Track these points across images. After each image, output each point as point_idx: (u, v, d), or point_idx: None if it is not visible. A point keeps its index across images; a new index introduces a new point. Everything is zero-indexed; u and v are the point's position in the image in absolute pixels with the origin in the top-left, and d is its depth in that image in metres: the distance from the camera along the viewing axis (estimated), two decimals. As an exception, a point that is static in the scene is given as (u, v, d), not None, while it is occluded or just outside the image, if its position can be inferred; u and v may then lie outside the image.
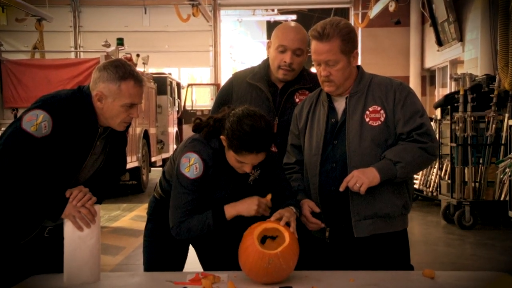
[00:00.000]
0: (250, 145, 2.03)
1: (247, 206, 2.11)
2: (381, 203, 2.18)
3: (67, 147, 2.02)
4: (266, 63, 2.59)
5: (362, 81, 2.26)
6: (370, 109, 2.20)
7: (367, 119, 2.19)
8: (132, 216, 7.58)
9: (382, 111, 2.19)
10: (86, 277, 2.00)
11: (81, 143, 2.06)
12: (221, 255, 2.37)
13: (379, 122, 2.19)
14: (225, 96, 2.61)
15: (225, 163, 2.16)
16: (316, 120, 2.30)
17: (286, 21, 16.54)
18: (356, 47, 2.23)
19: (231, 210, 2.12)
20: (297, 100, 2.53)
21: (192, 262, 2.49)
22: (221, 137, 2.11)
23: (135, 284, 2.08)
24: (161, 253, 2.34)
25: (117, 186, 2.35)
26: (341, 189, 2.11)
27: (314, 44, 2.20)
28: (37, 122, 1.96)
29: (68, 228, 1.99)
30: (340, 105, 2.27)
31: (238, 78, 2.63)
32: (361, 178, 2.07)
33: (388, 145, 2.19)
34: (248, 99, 2.50)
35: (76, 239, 1.99)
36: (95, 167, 2.17)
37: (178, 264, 2.37)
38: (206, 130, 2.17)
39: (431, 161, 2.25)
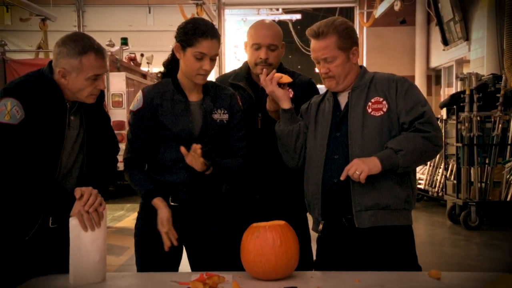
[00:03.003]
0: (203, 29, 2.22)
1: (160, 218, 2.24)
2: (382, 193, 2.16)
3: (42, 126, 2.02)
4: (246, 64, 2.66)
5: (364, 77, 2.28)
6: (373, 100, 2.21)
7: (369, 110, 2.20)
8: (136, 216, 7.58)
9: (384, 102, 2.20)
10: (92, 278, 2.00)
11: (53, 120, 2.05)
12: (212, 256, 2.37)
13: (382, 112, 2.19)
14: None
15: (179, 92, 2.31)
16: (321, 114, 2.32)
17: (291, 20, 16.55)
18: (355, 43, 2.25)
19: (156, 204, 2.25)
20: None
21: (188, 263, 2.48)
22: (175, 47, 2.29)
23: (139, 284, 2.08)
24: (152, 252, 2.33)
25: (116, 170, 2.35)
26: (342, 178, 2.10)
27: (312, 43, 2.24)
28: (7, 110, 1.96)
29: (74, 229, 1.98)
30: (343, 99, 2.29)
31: (220, 81, 2.69)
32: (361, 166, 2.06)
33: (392, 136, 2.19)
34: None
35: (82, 240, 1.98)
36: (78, 143, 2.16)
37: (172, 264, 2.36)
38: (160, 77, 2.43)
39: (435, 151, 2.22)
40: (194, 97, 2.34)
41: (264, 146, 2.51)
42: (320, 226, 2.26)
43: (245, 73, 2.63)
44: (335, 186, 2.19)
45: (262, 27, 2.58)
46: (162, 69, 2.47)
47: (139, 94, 2.34)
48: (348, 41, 2.22)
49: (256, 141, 2.50)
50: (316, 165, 2.25)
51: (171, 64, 2.39)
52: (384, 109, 2.19)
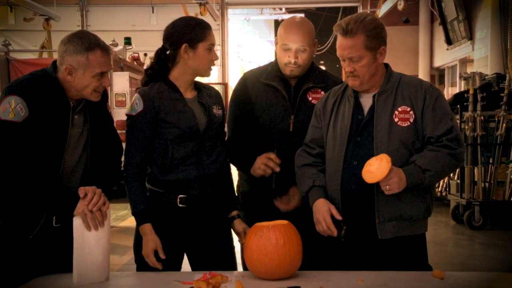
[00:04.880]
0: (204, 23, 2.31)
1: (145, 247, 2.23)
2: (406, 205, 2.15)
3: (45, 124, 2.02)
4: (277, 62, 2.59)
5: (391, 80, 2.22)
6: (399, 109, 2.16)
7: (396, 119, 2.15)
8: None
9: (411, 112, 2.15)
10: (96, 277, 2.01)
11: (56, 118, 2.06)
12: (214, 260, 2.36)
13: (408, 123, 2.15)
14: (242, 97, 2.60)
15: (175, 91, 2.32)
16: (340, 115, 2.25)
17: (294, 16, 16.50)
18: (383, 43, 2.18)
19: (144, 231, 2.24)
20: (310, 98, 2.53)
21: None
22: (183, 48, 2.26)
23: (142, 283, 2.08)
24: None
25: (119, 170, 2.34)
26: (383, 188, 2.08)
27: (338, 40, 2.17)
28: (12, 108, 1.96)
29: (78, 228, 1.99)
30: (366, 101, 2.23)
31: (251, 78, 2.62)
32: (395, 186, 2.04)
33: (415, 148, 2.15)
34: (264, 98, 2.53)
35: (86, 239, 1.99)
36: (82, 142, 2.17)
37: (173, 264, 2.34)
38: (144, 81, 2.39)
39: (457, 167, 2.23)
40: (188, 95, 2.37)
41: (295, 149, 2.44)
42: (342, 232, 2.22)
43: (277, 71, 2.55)
44: (354, 192, 2.17)
45: (292, 27, 2.48)
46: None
47: (136, 97, 2.31)
48: (376, 41, 2.14)
49: (287, 144, 2.47)
50: (335, 170, 2.22)
51: (153, 70, 2.36)
52: (411, 120, 2.15)
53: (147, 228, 2.23)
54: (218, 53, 14.24)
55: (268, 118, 2.51)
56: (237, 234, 2.43)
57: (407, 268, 2.12)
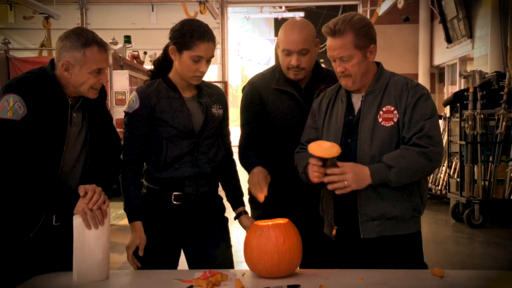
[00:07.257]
0: (200, 32, 2.23)
1: (131, 242, 2.26)
2: (389, 205, 2.13)
3: (44, 122, 2.02)
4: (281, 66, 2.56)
5: (381, 79, 2.21)
6: (384, 109, 2.16)
7: (380, 119, 2.15)
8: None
9: (395, 112, 2.15)
10: (96, 276, 2.01)
11: (55, 116, 2.06)
12: (211, 258, 2.37)
13: (392, 123, 2.14)
14: (255, 102, 2.53)
15: (173, 90, 2.32)
16: (334, 116, 2.26)
17: (294, 18, 16.51)
18: (373, 41, 2.18)
19: (135, 227, 2.28)
20: None
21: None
22: (170, 49, 2.28)
23: (142, 282, 2.08)
24: (148, 253, 2.30)
25: (119, 169, 2.34)
26: (325, 180, 2.08)
27: (328, 41, 2.17)
28: (10, 106, 1.96)
29: (78, 227, 1.99)
30: (357, 102, 2.23)
31: (262, 85, 2.56)
32: (350, 181, 2.04)
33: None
34: (279, 104, 2.49)
35: (86, 238, 1.99)
36: (80, 141, 2.17)
37: (169, 261, 2.36)
38: (150, 75, 2.43)
39: (431, 167, 2.15)
40: (187, 94, 2.37)
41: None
42: (334, 231, 2.23)
43: (285, 76, 2.51)
44: (345, 192, 2.15)
45: (292, 31, 2.43)
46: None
47: (134, 95, 2.33)
48: (365, 39, 2.14)
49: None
50: None
51: (162, 64, 2.40)
52: (395, 119, 2.14)
53: (138, 225, 2.28)
54: (218, 52, 14.33)
55: (284, 124, 2.49)
56: (245, 229, 2.39)
57: (400, 266, 2.12)
